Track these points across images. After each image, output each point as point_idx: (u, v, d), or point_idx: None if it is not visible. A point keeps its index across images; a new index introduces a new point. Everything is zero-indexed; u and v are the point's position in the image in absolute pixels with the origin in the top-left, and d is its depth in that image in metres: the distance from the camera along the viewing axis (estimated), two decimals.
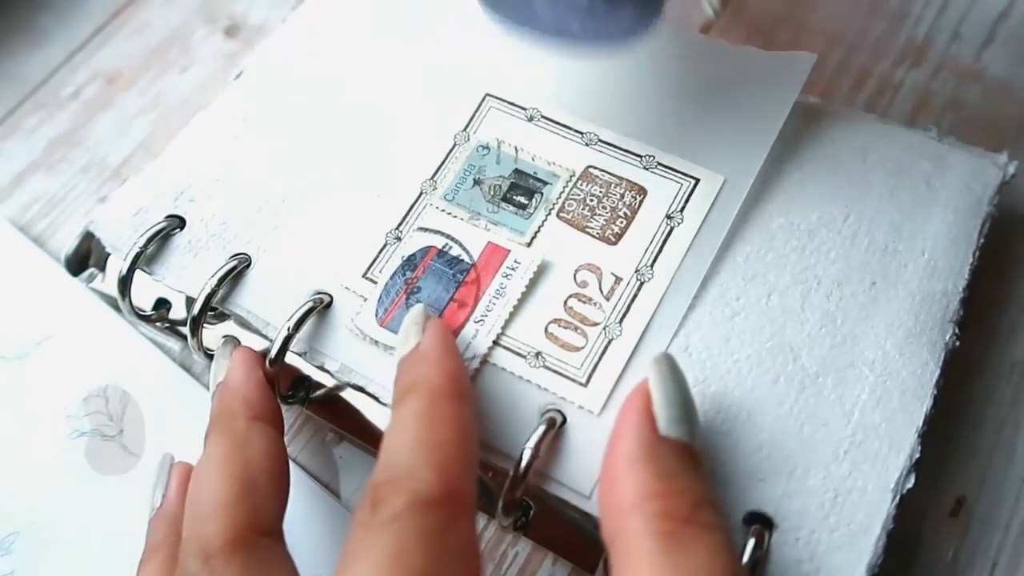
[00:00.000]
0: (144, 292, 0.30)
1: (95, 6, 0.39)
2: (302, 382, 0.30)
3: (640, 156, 0.30)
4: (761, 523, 0.24)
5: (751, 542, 0.24)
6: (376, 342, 0.27)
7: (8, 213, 0.35)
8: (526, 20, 0.26)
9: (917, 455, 0.25)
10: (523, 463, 0.25)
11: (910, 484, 0.25)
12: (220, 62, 0.38)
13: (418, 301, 0.28)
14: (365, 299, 0.28)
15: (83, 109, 0.37)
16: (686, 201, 0.29)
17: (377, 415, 0.29)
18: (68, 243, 0.31)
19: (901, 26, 0.38)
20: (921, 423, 0.26)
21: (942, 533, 0.28)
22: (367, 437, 0.29)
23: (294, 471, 0.28)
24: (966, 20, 0.38)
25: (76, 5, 0.39)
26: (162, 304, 0.31)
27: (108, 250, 0.30)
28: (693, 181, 0.29)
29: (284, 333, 0.27)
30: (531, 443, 0.25)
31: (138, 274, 0.29)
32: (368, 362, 0.27)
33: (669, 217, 0.29)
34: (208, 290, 0.28)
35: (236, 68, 0.34)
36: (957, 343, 0.27)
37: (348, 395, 0.30)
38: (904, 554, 0.26)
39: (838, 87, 0.37)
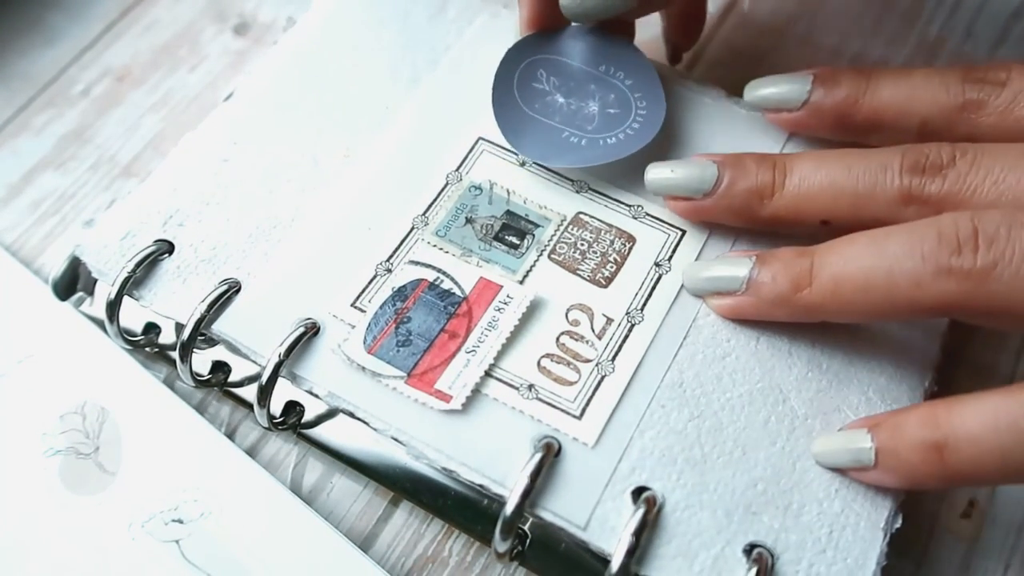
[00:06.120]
0: (134, 316, 0.29)
1: (105, 4, 0.39)
2: (294, 407, 0.29)
3: (629, 206, 0.31)
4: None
5: (753, 569, 0.24)
6: (363, 368, 0.27)
7: (18, 210, 0.34)
8: (556, 157, 0.31)
9: (902, 497, 0.26)
10: (520, 489, 0.24)
11: (898, 524, 0.25)
12: (229, 60, 0.38)
13: (408, 331, 0.28)
14: (353, 326, 0.28)
15: (93, 107, 0.37)
16: (673, 250, 0.30)
17: (366, 443, 0.29)
18: (55, 267, 0.30)
19: (913, 24, 0.38)
20: None
21: (954, 535, 0.28)
22: (358, 466, 0.29)
23: (287, 498, 0.27)
24: (979, 19, 0.39)
25: (86, 3, 0.39)
26: (151, 328, 0.30)
27: (95, 275, 0.29)
28: (680, 232, 0.30)
29: (275, 360, 0.27)
30: (529, 469, 0.25)
31: (127, 298, 0.28)
32: (354, 389, 0.27)
33: (657, 264, 0.29)
34: (197, 316, 0.27)
35: (246, 66, 0.34)
36: (935, 388, 0.28)
37: (339, 422, 0.29)
38: (916, 555, 0.25)
39: None
